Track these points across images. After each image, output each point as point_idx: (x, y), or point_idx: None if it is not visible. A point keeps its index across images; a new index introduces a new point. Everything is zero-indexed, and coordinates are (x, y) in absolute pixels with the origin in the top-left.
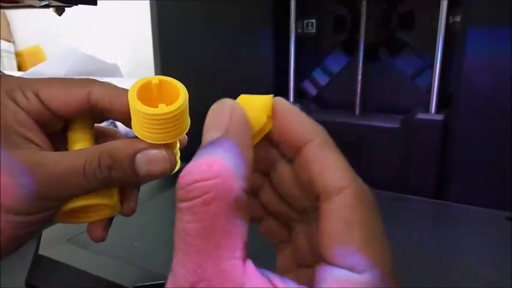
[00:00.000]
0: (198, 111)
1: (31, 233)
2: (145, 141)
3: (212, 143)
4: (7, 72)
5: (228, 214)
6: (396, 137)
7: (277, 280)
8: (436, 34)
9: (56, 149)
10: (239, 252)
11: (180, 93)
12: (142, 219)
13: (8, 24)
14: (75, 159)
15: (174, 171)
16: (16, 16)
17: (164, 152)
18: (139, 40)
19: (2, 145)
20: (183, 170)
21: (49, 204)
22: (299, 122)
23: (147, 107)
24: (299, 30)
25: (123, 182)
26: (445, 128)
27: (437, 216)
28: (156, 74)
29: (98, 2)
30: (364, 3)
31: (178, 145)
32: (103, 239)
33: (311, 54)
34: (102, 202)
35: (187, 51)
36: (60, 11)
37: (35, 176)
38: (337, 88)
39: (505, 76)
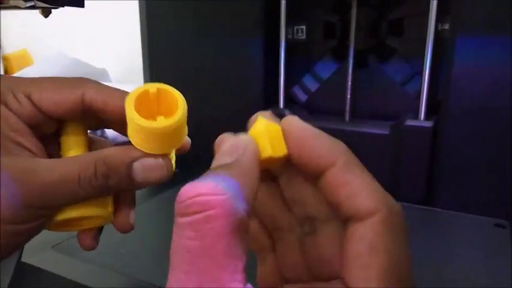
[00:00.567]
0: (188, 116)
1: (21, 241)
2: (141, 151)
3: (222, 167)
4: None
5: (231, 234)
6: (385, 143)
7: None
8: (425, 41)
9: (48, 153)
10: (240, 276)
11: (178, 104)
12: None
13: None
14: (69, 167)
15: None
16: (3, 20)
17: (161, 160)
18: (129, 45)
19: None
20: (187, 184)
21: (41, 212)
22: (318, 146)
23: (144, 120)
24: (289, 37)
25: (118, 189)
26: (434, 134)
27: (427, 222)
28: (145, 79)
29: (86, 4)
30: (353, 10)
31: (174, 150)
32: (93, 248)
33: (301, 60)
34: (96, 214)
35: (177, 56)
36: (46, 13)
37: (26, 184)
38: (327, 94)
39: (493, 83)
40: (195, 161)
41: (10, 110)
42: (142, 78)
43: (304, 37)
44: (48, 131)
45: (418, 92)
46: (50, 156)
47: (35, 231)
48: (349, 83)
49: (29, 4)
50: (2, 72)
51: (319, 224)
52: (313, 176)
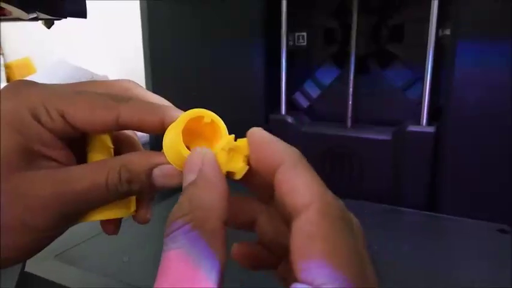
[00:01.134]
0: None
1: (47, 244)
2: (162, 156)
3: (190, 184)
4: None
5: (206, 241)
6: (387, 149)
7: None
8: (426, 47)
9: (74, 152)
10: (215, 277)
11: (221, 137)
12: (132, 233)
13: None
14: (97, 174)
15: None
16: (5, 28)
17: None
18: (130, 51)
19: (26, 167)
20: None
21: (72, 218)
22: (271, 147)
23: (188, 151)
24: (290, 43)
25: (140, 192)
26: (437, 139)
27: (429, 228)
28: (147, 85)
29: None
30: (354, 16)
31: None
32: (115, 234)
33: (302, 66)
34: (121, 215)
35: (179, 63)
36: (49, 24)
37: (59, 194)
38: (328, 100)
39: (495, 88)
40: None
41: (43, 125)
42: (144, 85)
43: (305, 43)
44: (76, 137)
45: (419, 97)
46: (77, 154)
47: (61, 234)
48: (351, 88)
49: (31, 16)
50: (5, 81)
51: None
52: (270, 180)
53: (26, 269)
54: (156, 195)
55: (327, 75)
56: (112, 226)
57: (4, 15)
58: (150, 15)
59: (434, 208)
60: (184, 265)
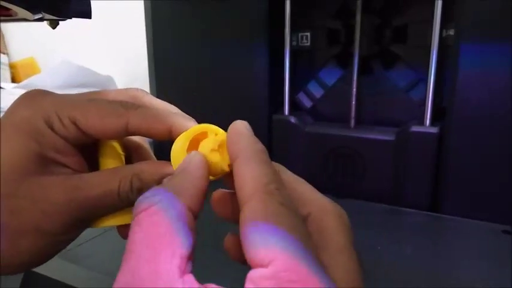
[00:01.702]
0: None
1: (61, 249)
2: (171, 166)
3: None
4: (1, 84)
5: (168, 225)
6: (391, 149)
7: None
8: (429, 48)
9: (86, 158)
10: (177, 261)
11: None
12: None
13: (3, 36)
14: (110, 182)
15: None
16: (10, 28)
17: None
18: (134, 52)
19: (41, 172)
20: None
21: (85, 223)
22: (232, 142)
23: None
24: (294, 43)
25: None
26: (440, 140)
27: (432, 229)
28: (150, 86)
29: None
30: (357, 17)
31: None
32: None
33: (306, 67)
34: (131, 221)
35: (182, 63)
36: (54, 25)
37: (73, 200)
38: (331, 100)
39: (498, 89)
40: None
41: (56, 133)
42: (148, 85)
43: (308, 44)
44: (88, 144)
45: (422, 98)
46: (88, 160)
47: (73, 239)
48: (354, 89)
49: (37, 16)
50: (10, 80)
51: None
52: None
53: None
54: None
55: (331, 76)
56: (127, 230)
57: (10, 15)
58: (154, 15)
59: (438, 209)
60: (145, 247)
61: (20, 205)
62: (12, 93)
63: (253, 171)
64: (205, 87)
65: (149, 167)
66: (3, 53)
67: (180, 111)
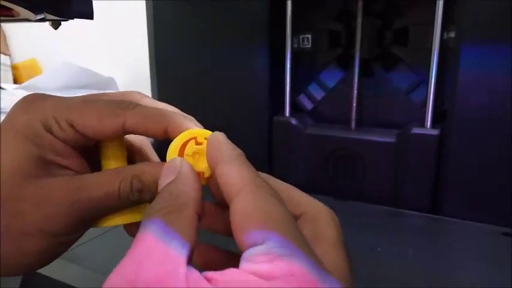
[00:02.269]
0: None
1: (64, 250)
2: None
3: (170, 182)
4: (3, 85)
5: (181, 226)
6: (392, 151)
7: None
8: (430, 50)
9: (87, 159)
10: (185, 255)
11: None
12: None
13: (5, 38)
14: (110, 183)
15: None
16: (13, 29)
17: None
18: (135, 53)
19: (42, 175)
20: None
21: (87, 223)
22: (213, 149)
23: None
24: (295, 45)
25: (151, 201)
26: (441, 142)
27: (432, 231)
28: (152, 87)
29: (95, 16)
30: (358, 19)
31: None
32: None
33: (307, 68)
34: (134, 220)
35: (183, 65)
36: (56, 25)
37: (75, 201)
38: (332, 102)
39: (499, 92)
40: None
41: (55, 136)
42: (149, 86)
43: (309, 46)
44: (89, 145)
45: (423, 100)
46: (91, 162)
47: (76, 239)
48: (355, 91)
49: (39, 17)
50: (12, 81)
51: None
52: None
53: None
54: None
55: (331, 78)
56: (135, 228)
57: (12, 16)
58: (155, 16)
59: (438, 211)
60: (155, 243)
61: (23, 208)
62: (14, 94)
63: (238, 168)
64: (207, 88)
65: (150, 168)
66: (5, 54)
67: (178, 111)
